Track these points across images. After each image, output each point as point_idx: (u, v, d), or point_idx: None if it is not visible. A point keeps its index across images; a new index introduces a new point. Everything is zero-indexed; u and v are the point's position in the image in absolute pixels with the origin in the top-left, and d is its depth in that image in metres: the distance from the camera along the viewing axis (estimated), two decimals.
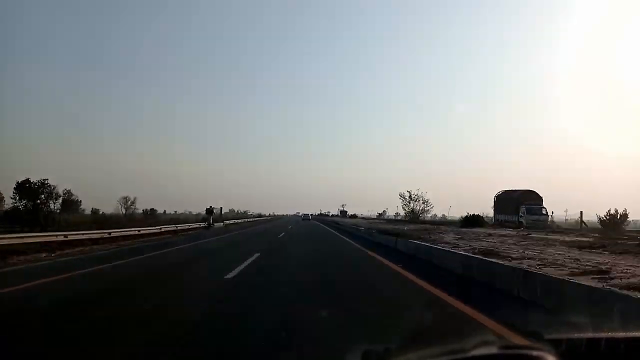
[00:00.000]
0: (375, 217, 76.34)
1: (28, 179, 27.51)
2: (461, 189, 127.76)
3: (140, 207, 51.99)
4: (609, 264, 5.50)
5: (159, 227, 22.94)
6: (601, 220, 24.90)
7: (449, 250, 8.21)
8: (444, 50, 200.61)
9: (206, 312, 4.43)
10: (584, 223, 25.30)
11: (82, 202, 39.48)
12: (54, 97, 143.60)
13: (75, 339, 3.48)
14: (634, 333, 0.90)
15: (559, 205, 70.37)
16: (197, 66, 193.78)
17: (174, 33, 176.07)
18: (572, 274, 4.61)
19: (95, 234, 16.17)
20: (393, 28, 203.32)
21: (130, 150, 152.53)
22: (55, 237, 13.48)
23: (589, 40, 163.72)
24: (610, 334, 0.90)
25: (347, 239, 17.74)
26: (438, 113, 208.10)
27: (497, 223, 29.54)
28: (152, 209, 38.44)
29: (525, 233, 14.80)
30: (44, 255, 10.74)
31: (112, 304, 4.95)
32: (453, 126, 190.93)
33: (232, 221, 41.72)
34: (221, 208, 39.14)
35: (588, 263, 5.65)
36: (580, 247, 8.12)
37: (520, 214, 28.99)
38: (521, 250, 7.72)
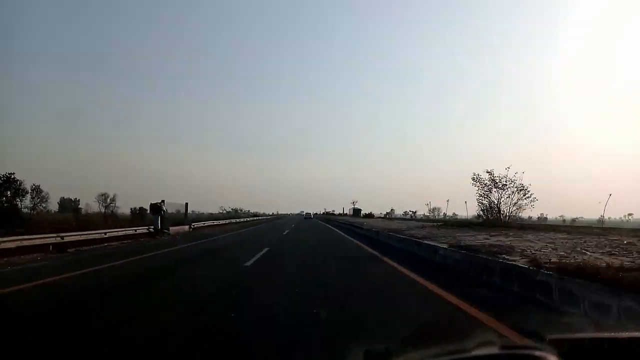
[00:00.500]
0: (398, 217, 64.32)
1: None
2: None
3: (123, 205, 46.22)
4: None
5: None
6: None
7: None
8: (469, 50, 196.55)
9: None
10: None
11: (62, 199, 37.94)
12: (32, 92, 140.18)
13: None
14: (636, 333, 0.90)
15: None
16: (199, 63, 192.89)
17: (173, 29, 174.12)
18: None
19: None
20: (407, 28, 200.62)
21: (129, 148, 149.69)
22: None
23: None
24: (612, 334, 0.89)
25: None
26: (440, 112, 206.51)
27: None
28: (141, 208, 36.68)
29: None
30: None
31: None
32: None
33: (206, 223, 30.41)
34: (186, 205, 27.53)
35: None
36: None
37: None
38: None
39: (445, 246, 8.69)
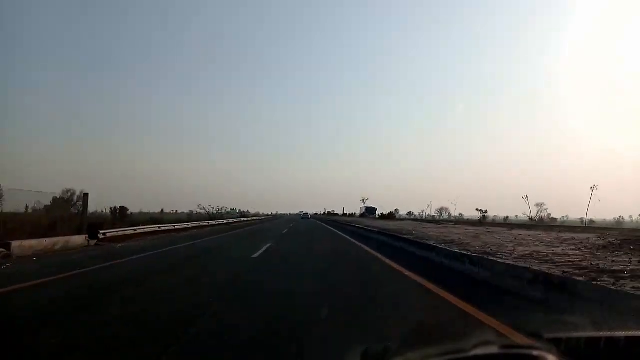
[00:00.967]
0: (406, 218, 53.53)
1: None
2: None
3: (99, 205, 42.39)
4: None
5: None
6: None
7: None
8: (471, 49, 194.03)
9: None
10: None
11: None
12: None
13: None
14: (634, 332, 0.91)
15: None
16: (199, 64, 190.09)
17: (173, 30, 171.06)
18: None
19: None
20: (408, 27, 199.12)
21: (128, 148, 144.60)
22: None
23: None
24: (610, 333, 0.90)
25: None
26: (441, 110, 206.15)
27: None
28: (122, 207, 34.89)
29: None
30: None
31: None
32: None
33: (138, 229, 18.68)
34: (85, 197, 16.70)
35: None
36: None
37: None
38: None
39: None
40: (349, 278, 6.80)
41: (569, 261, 6.46)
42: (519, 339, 2.80)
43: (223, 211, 50.39)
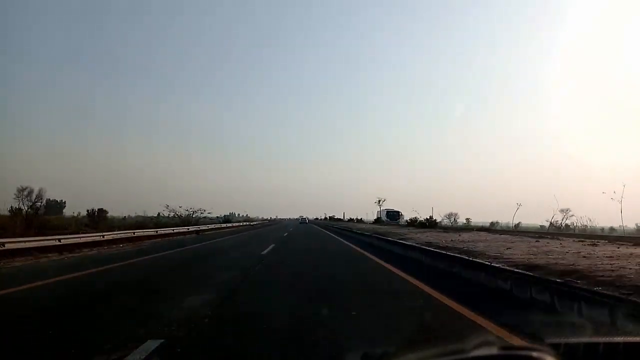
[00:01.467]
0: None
1: None
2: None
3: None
4: None
5: None
6: None
7: None
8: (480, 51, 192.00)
9: None
10: None
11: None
12: None
13: None
14: (632, 338, 0.91)
15: None
16: (193, 64, 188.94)
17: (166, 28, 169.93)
18: None
19: None
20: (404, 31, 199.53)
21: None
22: None
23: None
24: (609, 339, 0.91)
25: None
26: (441, 114, 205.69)
27: None
28: (100, 209, 32.83)
29: None
30: None
31: None
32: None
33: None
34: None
35: None
36: None
37: None
38: None
39: None
40: None
41: None
42: (518, 341, 2.82)
43: (199, 214, 37.11)
